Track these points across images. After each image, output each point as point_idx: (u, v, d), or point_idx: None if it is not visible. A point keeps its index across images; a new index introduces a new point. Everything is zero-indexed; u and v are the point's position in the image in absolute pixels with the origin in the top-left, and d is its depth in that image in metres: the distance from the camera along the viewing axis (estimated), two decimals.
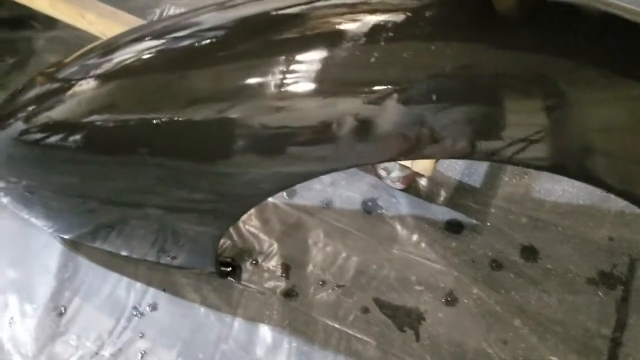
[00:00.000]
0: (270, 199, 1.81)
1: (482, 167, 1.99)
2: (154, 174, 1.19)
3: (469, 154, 0.90)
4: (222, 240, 1.63)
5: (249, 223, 1.81)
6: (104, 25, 1.87)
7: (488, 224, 1.79)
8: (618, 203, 1.80)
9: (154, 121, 1.07)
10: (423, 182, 1.94)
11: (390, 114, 0.92)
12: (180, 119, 1.05)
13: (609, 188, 0.90)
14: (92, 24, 1.88)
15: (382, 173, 1.90)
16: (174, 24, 1.15)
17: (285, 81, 0.93)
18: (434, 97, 0.91)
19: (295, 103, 0.93)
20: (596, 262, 1.67)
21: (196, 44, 1.05)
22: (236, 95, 0.99)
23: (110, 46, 1.20)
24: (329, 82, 0.93)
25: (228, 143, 1.03)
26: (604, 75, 0.84)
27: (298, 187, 1.86)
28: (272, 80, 0.93)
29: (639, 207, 0.95)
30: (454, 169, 1.97)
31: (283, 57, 0.93)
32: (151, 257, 1.66)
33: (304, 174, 1.08)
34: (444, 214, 1.81)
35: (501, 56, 0.87)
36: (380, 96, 0.91)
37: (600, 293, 1.61)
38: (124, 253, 1.71)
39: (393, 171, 1.85)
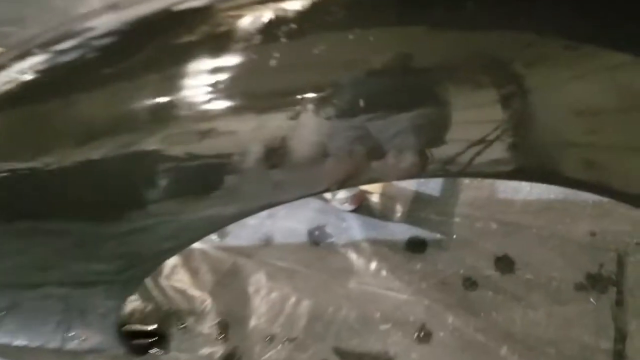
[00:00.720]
0: (197, 244, 1.66)
1: None
2: (50, 244, 0.97)
3: (420, 170, 0.77)
4: (140, 305, 1.48)
5: (174, 278, 1.66)
6: None
7: (454, 236, 1.69)
8: None
9: (40, 168, 0.83)
10: (375, 198, 1.79)
11: (308, 132, 0.75)
12: (73, 162, 0.82)
13: (583, 185, 0.82)
14: None
15: (328, 195, 1.73)
16: (56, 35, 0.90)
17: (198, 98, 0.77)
18: (361, 104, 0.73)
19: (220, 124, 0.78)
20: (581, 264, 1.56)
21: (84, 57, 0.84)
22: (145, 120, 0.80)
23: None
24: (234, 97, 0.77)
25: (142, 187, 0.85)
26: (569, 47, 0.72)
27: (230, 225, 1.61)
28: (183, 96, 0.77)
29: (623, 201, 0.87)
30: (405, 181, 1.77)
31: (188, 67, 0.78)
32: (55, 343, 1.38)
33: (235, 215, 0.90)
34: (404, 232, 1.70)
35: (440, 41, 0.73)
36: (292, 109, 0.74)
37: (591, 299, 1.52)
38: (19, 342, 1.43)
39: (339, 191, 1.65)
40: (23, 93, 0.89)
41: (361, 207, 1.77)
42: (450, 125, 0.74)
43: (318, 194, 0.86)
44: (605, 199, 1.64)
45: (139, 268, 1.06)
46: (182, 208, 0.87)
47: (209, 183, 0.82)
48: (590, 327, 1.45)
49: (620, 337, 1.43)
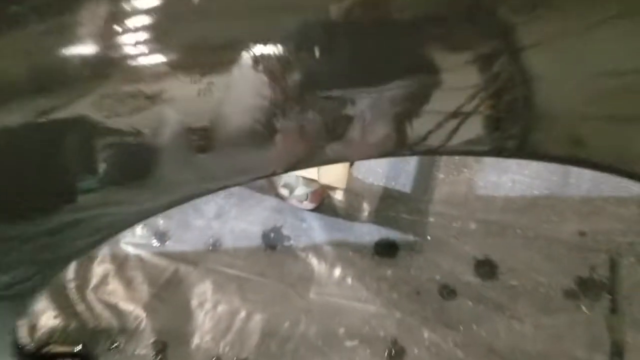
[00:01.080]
0: (132, 249, 1.55)
1: (410, 164, 1.72)
2: None
3: (393, 146, 0.66)
4: (61, 322, 1.38)
5: (103, 289, 1.51)
6: None
7: (428, 237, 1.57)
8: (580, 187, 1.62)
9: None
10: (338, 195, 1.64)
11: (245, 98, 0.62)
12: None
13: (591, 164, 0.70)
14: None
15: (284, 192, 1.58)
16: None
17: (122, 51, 0.65)
18: (316, 63, 0.61)
19: (141, 87, 0.64)
20: (571, 268, 1.49)
21: None
22: (65, 77, 0.66)
23: None
24: (153, 49, 0.64)
25: (67, 169, 0.70)
26: None
27: (172, 226, 1.49)
28: (107, 46, 0.64)
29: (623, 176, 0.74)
30: (376, 172, 1.69)
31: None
32: None
33: (163, 205, 0.76)
34: (372, 233, 1.58)
35: None
36: (224, 68, 0.61)
37: (583, 307, 1.44)
38: None
39: (297, 187, 1.55)
40: None
41: (323, 205, 1.62)
42: (430, 91, 0.64)
43: (261, 178, 0.69)
44: (593, 195, 1.61)
45: (36, 278, 0.90)
46: (107, 197, 0.74)
47: (132, 164, 0.71)
48: (582, 339, 1.39)
49: (617, 350, 1.38)
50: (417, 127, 0.67)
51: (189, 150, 0.65)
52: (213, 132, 0.64)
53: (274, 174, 0.70)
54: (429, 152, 0.73)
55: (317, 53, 0.60)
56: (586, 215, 1.57)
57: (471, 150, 0.71)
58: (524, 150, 0.69)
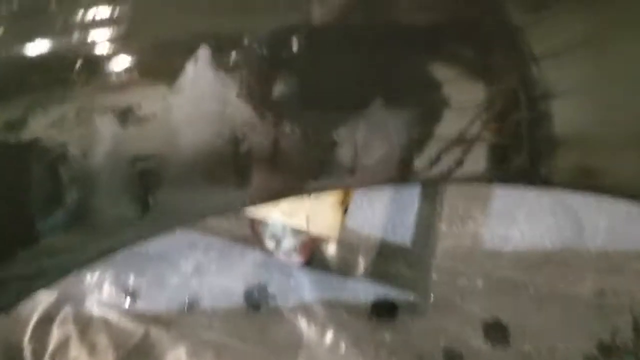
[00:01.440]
0: (97, 310, 1.42)
1: (410, 215, 1.61)
2: None
3: (392, 175, 0.58)
4: None
5: (63, 354, 1.37)
6: None
7: (432, 297, 1.47)
8: (596, 240, 1.52)
9: None
10: (331, 248, 1.54)
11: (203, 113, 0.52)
12: None
13: (607, 191, 0.65)
14: None
15: (270, 244, 1.47)
16: None
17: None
18: (294, 48, 0.51)
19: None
20: (590, 330, 1.39)
21: None
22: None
23: None
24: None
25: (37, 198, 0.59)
26: None
27: (144, 284, 1.45)
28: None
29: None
30: (372, 223, 1.59)
31: None
32: None
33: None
34: (368, 292, 1.47)
35: None
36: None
37: None
38: None
39: (284, 239, 1.44)
40: None
41: (313, 260, 1.51)
42: (429, 112, 0.58)
43: (229, 211, 0.58)
44: (611, 249, 1.51)
45: None
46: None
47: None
48: None
49: None
50: (416, 155, 0.59)
51: (136, 181, 0.53)
52: (168, 156, 0.53)
53: (248, 204, 0.58)
54: (432, 182, 0.66)
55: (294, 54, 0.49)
56: (605, 272, 1.47)
57: (477, 179, 0.65)
58: (533, 181, 0.63)
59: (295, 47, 0.49)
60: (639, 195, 0.67)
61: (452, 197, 1.64)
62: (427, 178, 0.63)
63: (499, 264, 1.50)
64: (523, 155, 0.62)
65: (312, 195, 1.24)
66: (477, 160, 0.62)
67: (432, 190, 1.66)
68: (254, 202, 0.57)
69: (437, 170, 0.62)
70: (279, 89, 0.50)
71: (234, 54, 0.50)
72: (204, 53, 0.50)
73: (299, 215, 1.26)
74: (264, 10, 0.52)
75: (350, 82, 0.52)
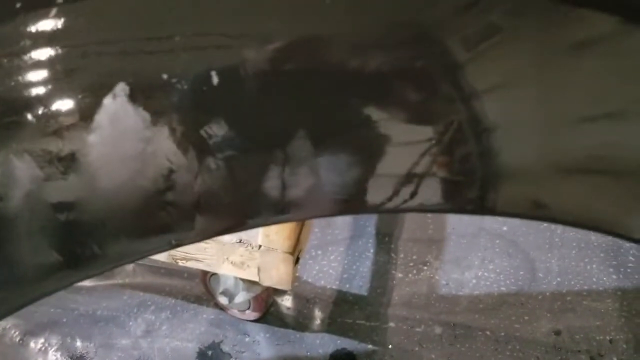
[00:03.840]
0: None
1: (365, 264, 1.63)
2: None
3: (340, 207, 0.57)
4: None
5: None
6: None
7: (390, 346, 1.45)
8: (550, 281, 1.56)
9: None
10: (286, 302, 1.53)
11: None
12: None
13: (553, 220, 0.62)
14: None
15: (223, 300, 1.43)
16: None
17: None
18: (216, 85, 0.50)
19: None
20: None
21: None
22: None
23: None
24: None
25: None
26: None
27: (91, 348, 1.34)
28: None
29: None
30: (328, 274, 1.59)
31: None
32: None
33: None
34: (325, 344, 1.45)
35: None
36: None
37: None
38: None
39: (237, 294, 1.41)
40: None
41: (268, 314, 1.49)
42: (371, 149, 0.57)
43: (160, 251, 0.57)
44: (565, 289, 1.54)
45: None
46: None
47: None
48: None
49: None
50: (362, 189, 0.58)
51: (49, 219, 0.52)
52: (89, 201, 0.52)
53: (184, 244, 0.58)
54: (386, 212, 0.65)
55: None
56: (560, 312, 1.50)
57: (430, 210, 0.62)
58: (483, 211, 0.61)
59: (217, 85, 0.49)
60: (587, 225, 0.67)
61: (407, 243, 1.67)
62: (380, 210, 0.62)
63: (455, 310, 1.51)
64: (474, 188, 0.60)
65: (262, 247, 1.24)
66: (430, 192, 0.60)
67: (386, 239, 1.69)
68: (191, 241, 0.56)
69: (389, 202, 0.60)
70: (202, 125, 0.51)
71: (153, 89, 0.51)
72: (122, 88, 0.50)
73: (250, 267, 1.24)
74: (188, 49, 0.52)
75: (273, 118, 0.53)
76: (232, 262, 1.25)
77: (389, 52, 0.53)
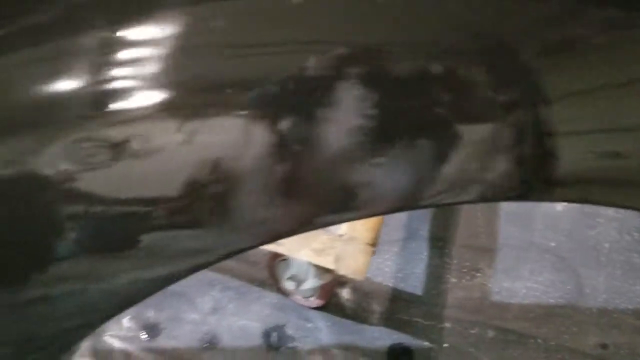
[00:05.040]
0: (117, 343, 1.43)
1: (419, 266, 1.70)
2: None
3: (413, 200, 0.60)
4: None
5: None
6: None
7: (445, 345, 1.52)
8: (597, 298, 1.63)
9: None
10: (345, 294, 1.59)
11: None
12: None
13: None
14: None
15: (290, 285, 1.50)
16: None
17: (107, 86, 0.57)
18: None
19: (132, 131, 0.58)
20: None
21: None
22: (31, 118, 0.59)
23: None
24: (153, 87, 0.58)
25: (38, 233, 0.61)
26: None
27: (162, 319, 1.38)
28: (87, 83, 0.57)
29: None
30: (383, 272, 1.65)
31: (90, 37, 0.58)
32: None
33: (162, 278, 0.65)
34: (384, 337, 1.52)
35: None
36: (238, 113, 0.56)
37: None
38: None
39: (306, 280, 1.46)
40: None
41: (329, 304, 1.55)
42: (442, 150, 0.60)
43: (266, 243, 0.63)
44: (610, 307, 1.61)
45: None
46: (88, 270, 0.65)
47: (116, 235, 0.62)
48: None
49: None
50: (428, 185, 0.61)
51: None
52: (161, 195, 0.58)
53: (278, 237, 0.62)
54: (442, 206, 0.68)
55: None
56: (606, 328, 1.56)
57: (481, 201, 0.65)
58: (542, 198, 0.65)
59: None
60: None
61: (460, 250, 1.75)
62: (438, 204, 0.64)
63: (506, 316, 1.58)
64: (534, 182, 0.63)
65: (345, 236, 1.31)
66: (490, 184, 0.62)
67: (439, 244, 1.77)
68: (290, 231, 0.60)
69: (446, 196, 0.62)
70: (288, 126, 0.55)
71: (252, 93, 0.55)
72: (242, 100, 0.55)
73: (329, 255, 1.31)
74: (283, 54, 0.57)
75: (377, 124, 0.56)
76: (312, 249, 1.32)
77: (467, 59, 0.57)
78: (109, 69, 0.56)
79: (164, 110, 0.55)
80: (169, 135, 0.55)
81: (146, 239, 0.59)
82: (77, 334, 0.77)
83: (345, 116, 0.55)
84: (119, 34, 0.57)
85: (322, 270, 1.39)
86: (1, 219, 0.60)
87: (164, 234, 0.59)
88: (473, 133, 0.59)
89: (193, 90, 0.56)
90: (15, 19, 0.62)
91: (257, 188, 0.57)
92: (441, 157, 0.59)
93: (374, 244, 1.29)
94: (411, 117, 0.57)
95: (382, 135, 0.56)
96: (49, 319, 0.70)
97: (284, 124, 0.54)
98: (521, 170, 0.60)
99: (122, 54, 0.57)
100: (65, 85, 0.56)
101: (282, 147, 0.55)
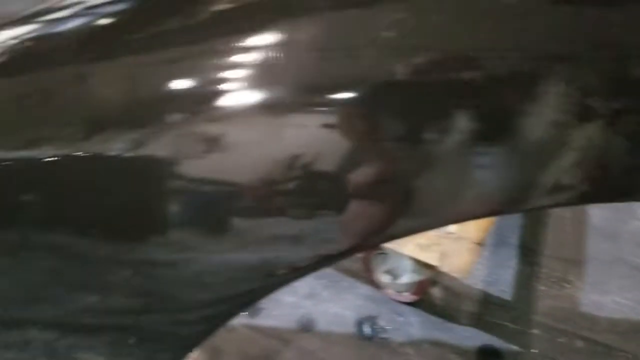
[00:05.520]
0: None
1: (508, 272, 1.71)
2: (43, 263, 0.75)
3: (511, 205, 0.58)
4: None
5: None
6: None
7: (534, 350, 1.52)
8: None
9: (33, 160, 0.69)
10: (436, 292, 1.62)
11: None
12: (75, 157, 0.68)
13: None
14: None
15: (385, 279, 1.54)
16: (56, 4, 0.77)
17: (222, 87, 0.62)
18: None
19: (233, 129, 0.63)
20: None
21: (92, 22, 0.73)
22: (157, 111, 0.66)
23: None
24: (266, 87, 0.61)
25: (155, 205, 0.67)
26: None
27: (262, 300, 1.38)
28: (204, 84, 0.64)
29: None
30: (473, 275, 1.64)
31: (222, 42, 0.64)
32: None
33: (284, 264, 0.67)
34: (473, 338, 1.53)
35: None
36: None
37: None
38: None
39: (403, 275, 1.49)
40: (16, 64, 0.75)
41: (420, 301, 1.57)
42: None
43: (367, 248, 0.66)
44: None
45: (160, 320, 0.84)
46: (199, 244, 0.69)
47: (211, 213, 0.66)
48: None
49: None
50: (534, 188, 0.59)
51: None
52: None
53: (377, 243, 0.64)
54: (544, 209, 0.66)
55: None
56: None
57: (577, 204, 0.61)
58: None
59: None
60: None
61: (549, 260, 1.76)
62: (542, 206, 0.60)
63: (595, 328, 1.57)
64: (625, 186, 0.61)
65: (454, 234, 1.34)
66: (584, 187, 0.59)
67: (529, 253, 1.79)
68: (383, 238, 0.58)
69: (548, 199, 0.58)
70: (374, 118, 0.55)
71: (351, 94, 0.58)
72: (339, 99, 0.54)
73: (434, 251, 1.34)
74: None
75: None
76: (417, 244, 1.35)
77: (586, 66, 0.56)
78: (222, 71, 0.61)
79: (260, 108, 0.59)
80: (259, 131, 0.59)
81: (238, 221, 0.64)
82: (208, 309, 0.82)
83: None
84: (238, 41, 0.63)
85: (421, 266, 1.42)
86: (124, 186, 0.67)
87: (253, 220, 0.64)
88: (583, 138, 0.58)
89: (293, 90, 0.59)
90: (148, 26, 0.70)
91: (352, 188, 0.60)
92: (543, 160, 0.58)
93: (482, 244, 1.31)
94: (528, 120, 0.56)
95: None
96: (174, 282, 0.75)
97: (385, 126, 0.55)
98: (629, 177, 0.59)
99: (237, 58, 0.61)
100: (184, 84, 0.62)
101: (379, 149, 0.56)
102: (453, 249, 1.32)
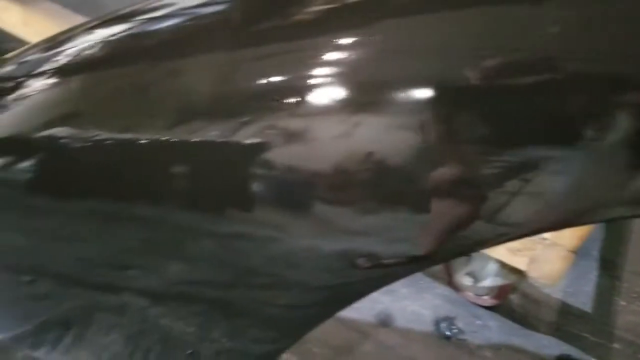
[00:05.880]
0: None
1: (589, 285, 1.70)
2: (139, 232, 0.82)
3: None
4: None
5: None
6: None
7: None
8: None
9: (130, 142, 0.76)
10: (515, 298, 1.61)
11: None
12: (167, 142, 0.74)
13: None
14: None
15: (465, 280, 1.54)
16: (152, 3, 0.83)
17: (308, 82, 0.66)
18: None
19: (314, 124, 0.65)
20: None
21: (189, 20, 0.79)
22: (244, 103, 0.70)
23: (69, 34, 0.87)
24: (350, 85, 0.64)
25: (238, 184, 0.72)
26: None
27: None
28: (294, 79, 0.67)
29: None
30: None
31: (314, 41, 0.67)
32: None
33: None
34: (552, 347, 1.52)
35: None
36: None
37: None
38: None
39: (485, 278, 1.49)
40: (119, 56, 0.81)
41: (498, 306, 1.57)
42: None
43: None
44: None
45: (259, 293, 0.85)
46: (281, 224, 0.71)
47: (289, 197, 0.69)
48: None
49: None
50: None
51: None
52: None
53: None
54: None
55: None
56: None
57: None
58: None
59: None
60: None
61: (631, 275, 1.74)
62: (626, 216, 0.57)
63: None
64: None
65: (548, 240, 1.32)
66: None
67: (610, 266, 1.77)
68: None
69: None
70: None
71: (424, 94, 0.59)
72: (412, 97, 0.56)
73: (524, 256, 1.34)
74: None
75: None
76: (507, 248, 1.34)
77: None
78: (310, 68, 0.63)
79: (339, 105, 0.61)
80: (334, 127, 0.60)
81: (317, 207, 0.67)
82: (294, 298, 0.84)
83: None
84: (331, 40, 0.64)
85: (507, 270, 1.42)
86: (212, 165, 0.72)
87: (327, 207, 0.66)
88: None
89: (370, 88, 0.60)
90: (250, 25, 0.74)
91: (428, 188, 0.60)
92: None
93: (575, 252, 1.29)
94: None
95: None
96: (257, 257, 0.78)
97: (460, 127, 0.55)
98: None
99: (325, 56, 0.63)
100: (276, 79, 0.65)
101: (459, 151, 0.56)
102: (545, 255, 1.30)
